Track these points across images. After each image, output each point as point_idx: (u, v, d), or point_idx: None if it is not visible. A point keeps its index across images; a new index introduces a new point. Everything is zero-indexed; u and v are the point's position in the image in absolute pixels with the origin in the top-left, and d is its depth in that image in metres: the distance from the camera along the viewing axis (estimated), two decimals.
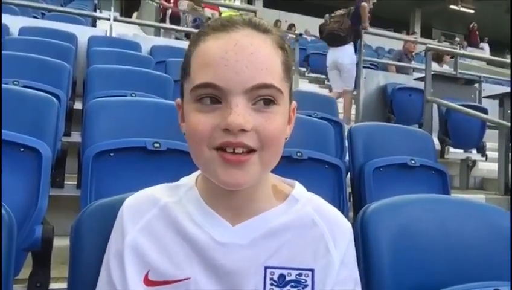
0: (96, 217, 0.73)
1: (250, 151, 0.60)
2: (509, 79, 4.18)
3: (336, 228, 0.68)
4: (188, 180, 0.71)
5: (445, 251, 0.88)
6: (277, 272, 0.64)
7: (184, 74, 0.65)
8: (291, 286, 0.63)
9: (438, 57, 6.03)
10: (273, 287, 0.63)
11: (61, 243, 1.44)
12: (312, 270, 0.64)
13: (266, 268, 0.63)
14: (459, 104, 3.69)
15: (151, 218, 0.66)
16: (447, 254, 0.88)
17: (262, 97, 0.60)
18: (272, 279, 0.63)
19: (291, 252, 0.65)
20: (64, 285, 1.38)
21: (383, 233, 0.84)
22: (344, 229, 0.69)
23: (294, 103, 0.69)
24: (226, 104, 0.59)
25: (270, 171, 0.67)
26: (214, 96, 0.60)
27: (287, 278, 0.64)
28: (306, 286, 0.64)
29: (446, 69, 6.06)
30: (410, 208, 0.91)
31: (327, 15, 13.73)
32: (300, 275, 0.64)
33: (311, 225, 0.67)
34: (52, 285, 1.45)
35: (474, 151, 3.90)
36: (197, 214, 0.66)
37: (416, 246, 0.86)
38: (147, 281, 0.63)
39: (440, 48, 5.74)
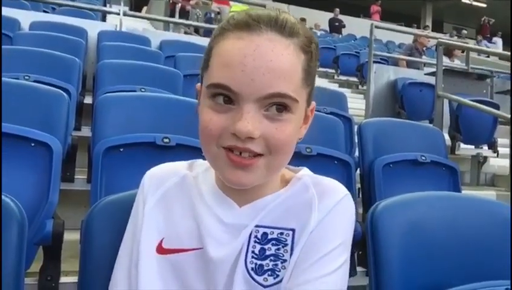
0: (106, 213, 0.74)
1: (257, 155, 0.61)
2: None
3: (326, 191, 0.67)
4: (205, 161, 0.72)
5: (455, 248, 0.88)
6: (261, 231, 0.66)
7: (205, 64, 0.65)
8: (272, 244, 0.65)
9: (448, 52, 5.96)
10: (256, 243, 0.65)
11: (71, 236, 1.45)
12: (293, 230, 0.66)
13: (254, 227, 0.66)
14: (470, 100, 3.65)
15: (172, 186, 0.70)
16: (457, 252, 0.88)
17: (275, 104, 0.60)
18: (256, 236, 0.66)
19: (279, 214, 0.67)
20: (75, 279, 1.40)
21: (393, 230, 0.84)
22: (334, 192, 0.67)
23: (313, 103, 0.68)
24: (238, 107, 0.59)
25: None
26: (227, 97, 0.60)
27: (269, 237, 0.66)
28: (286, 244, 0.65)
29: (457, 64, 5.99)
30: (420, 205, 0.91)
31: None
32: (281, 233, 0.66)
33: (303, 190, 0.68)
34: (62, 279, 1.47)
35: (485, 147, 3.86)
36: (208, 194, 0.68)
37: (426, 243, 0.86)
38: (161, 249, 0.66)
39: (451, 42, 5.67)
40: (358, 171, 2.14)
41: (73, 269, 1.40)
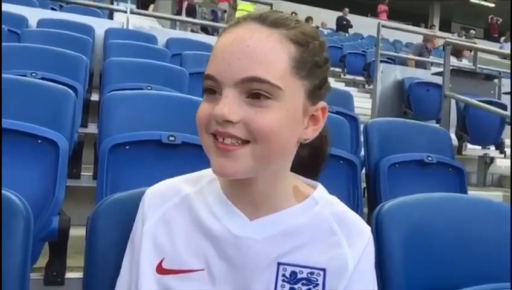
0: (112, 211, 0.74)
1: (244, 143, 0.60)
2: None
3: (354, 233, 0.67)
4: (211, 171, 0.70)
5: (460, 251, 0.87)
6: (289, 269, 0.64)
7: None
8: (302, 284, 0.63)
9: (457, 52, 5.92)
10: (285, 283, 0.63)
11: (77, 232, 1.47)
12: (324, 270, 0.64)
13: (279, 264, 0.64)
14: (477, 100, 3.63)
15: (172, 207, 0.68)
16: (463, 254, 0.87)
17: (256, 91, 0.59)
18: (284, 275, 0.63)
19: (306, 253, 0.65)
20: (80, 274, 1.41)
21: (398, 232, 0.84)
22: (362, 234, 0.67)
23: (322, 103, 0.66)
24: (220, 95, 0.60)
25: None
26: (214, 88, 0.61)
27: (299, 276, 0.64)
28: (317, 285, 0.64)
29: (465, 63, 5.95)
30: (425, 207, 0.90)
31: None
32: (312, 273, 0.64)
33: (329, 233, 0.66)
34: (68, 274, 1.48)
35: (492, 147, 3.84)
36: (216, 206, 0.66)
37: (431, 245, 0.85)
38: (160, 269, 0.65)
39: (459, 42, 5.63)
40: (363, 170, 2.13)
41: (78, 264, 1.41)
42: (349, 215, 0.69)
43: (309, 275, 0.64)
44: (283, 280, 0.63)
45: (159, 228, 0.66)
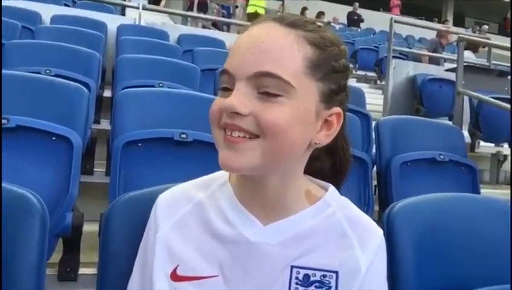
0: (125, 210, 0.75)
1: (253, 137, 0.60)
2: None
3: (366, 235, 0.67)
4: (222, 174, 0.71)
5: (472, 252, 0.87)
6: (302, 272, 0.64)
7: None
8: (316, 287, 0.64)
9: (474, 46, 5.83)
10: (298, 286, 0.64)
11: (90, 228, 1.48)
12: (336, 273, 0.64)
13: (292, 267, 0.64)
14: (491, 97, 3.59)
15: (185, 214, 0.68)
16: (474, 255, 0.87)
17: (266, 88, 0.59)
18: (297, 278, 0.64)
19: (319, 256, 0.65)
20: (93, 270, 1.43)
21: (409, 232, 0.84)
22: (374, 236, 0.68)
23: (337, 109, 0.65)
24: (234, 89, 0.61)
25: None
26: (229, 84, 0.62)
27: (312, 279, 0.64)
28: (330, 287, 0.64)
29: (479, 60, 5.87)
30: (437, 207, 0.90)
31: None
32: (324, 276, 0.64)
33: (341, 235, 0.66)
34: (81, 270, 1.50)
35: (505, 145, 3.79)
36: (230, 211, 0.66)
37: (442, 246, 0.85)
38: (175, 276, 0.65)
39: (472, 38, 5.56)
40: (374, 168, 2.13)
41: (92, 260, 1.43)
42: (361, 218, 0.69)
43: (322, 277, 0.64)
44: (296, 283, 0.64)
45: (172, 235, 0.66)
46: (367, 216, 0.70)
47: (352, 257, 0.65)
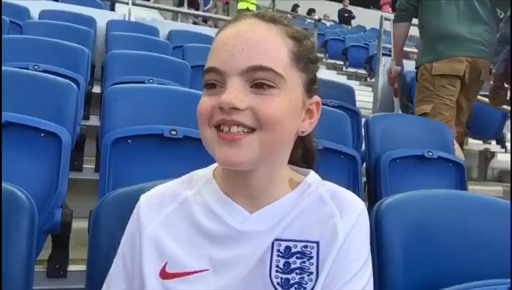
0: (115, 206, 0.75)
1: (250, 131, 0.61)
2: None
3: (345, 205, 0.68)
4: (206, 172, 0.72)
5: (460, 248, 0.88)
6: (284, 244, 0.66)
7: None
8: (297, 257, 0.65)
9: None
10: (280, 258, 0.65)
11: (79, 225, 1.48)
12: (317, 243, 0.65)
13: (274, 241, 0.65)
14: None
15: (171, 212, 0.69)
16: (463, 252, 0.88)
17: (260, 80, 0.61)
18: (278, 250, 0.65)
19: (300, 228, 0.66)
20: (82, 267, 1.43)
21: (397, 228, 0.84)
22: (353, 206, 0.68)
23: (316, 98, 0.69)
24: (225, 86, 0.62)
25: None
26: (217, 82, 0.62)
27: (293, 250, 0.65)
28: (311, 257, 0.65)
29: None
30: (426, 203, 0.91)
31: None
32: (305, 247, 0.66)
33: (321, 203, 0.68)
34: (70, 267, 1.49)
35: (493, 142, 3.84)
36: (216, 204, 0.68)
37: (430, 242, 0.86)
38: (164, 274, 0.65)
39: None
40: (364, 165, 2.14)
41: (81, 257, 1.42)
42: (342, 191, 0.70)
43: (303, 248, 0.66)
44: (278, 255, 0.65)
45: (160, 234, 0.67)
46: (349, 191, 0.71)
47: (332, 226, 0.66)
